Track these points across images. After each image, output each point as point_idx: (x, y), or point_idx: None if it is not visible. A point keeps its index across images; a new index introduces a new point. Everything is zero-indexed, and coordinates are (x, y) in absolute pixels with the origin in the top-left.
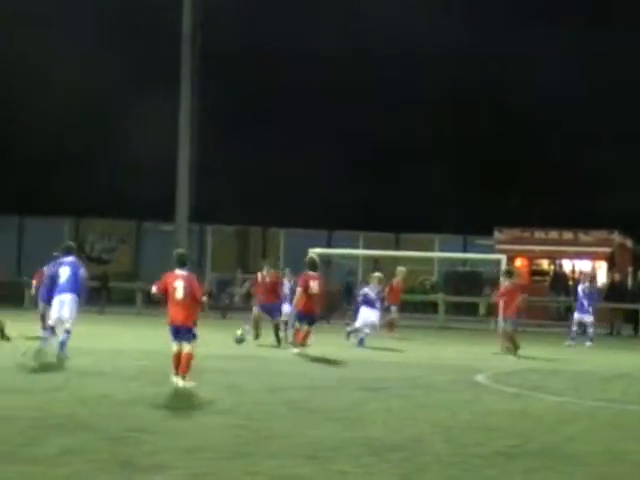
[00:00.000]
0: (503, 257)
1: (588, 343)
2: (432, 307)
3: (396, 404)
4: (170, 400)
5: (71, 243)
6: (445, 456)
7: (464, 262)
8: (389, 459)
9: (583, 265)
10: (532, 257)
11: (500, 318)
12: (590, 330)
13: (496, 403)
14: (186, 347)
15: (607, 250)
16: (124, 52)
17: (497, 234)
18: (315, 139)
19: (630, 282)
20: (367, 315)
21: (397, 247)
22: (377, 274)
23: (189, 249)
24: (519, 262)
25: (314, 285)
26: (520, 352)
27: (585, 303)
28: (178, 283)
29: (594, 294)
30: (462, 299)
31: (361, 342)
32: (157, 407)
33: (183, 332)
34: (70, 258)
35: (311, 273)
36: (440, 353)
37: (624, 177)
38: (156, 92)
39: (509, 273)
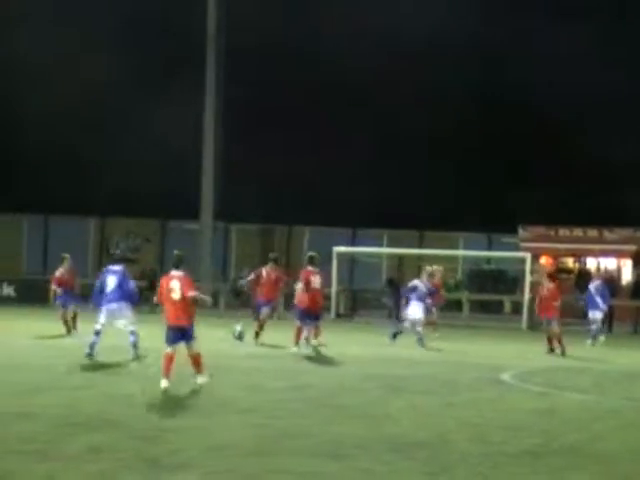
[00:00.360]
0: (528, 255)
1: (589, 341)
2: (456, 305)
3: (421, 402)
4: (193, 399)
5: (122, 253)
6: (471, 454)
7: (488, 260)
8: (414, 457)
9: (608, 263)
10: (557, 255)
11: (546, 319)
12: (593, 327)
13: (521, 401)
14: (190, 349)
15: (632, 248)
16: (149, 49)
17: (521, 232)
18: (339, 136)
19: None
20: (415, 311)
21: (421, 245)
22: (429, 268)
23: (214, 248)
24: (544, 260)
25: (315, 280)
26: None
27: (599, 301)
28: (174, 284)
29: (607, 292)
30: (487, 297)
31: (394, 337)
32: (180, 406)
33: (183, 332)
34: (118, 267)
35: (311, 268)
36: (465, 351)
37: None
38: (181, 90)
39: (551, 276)
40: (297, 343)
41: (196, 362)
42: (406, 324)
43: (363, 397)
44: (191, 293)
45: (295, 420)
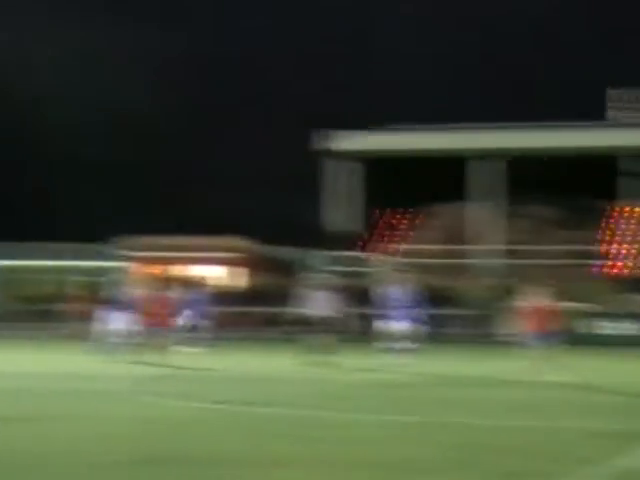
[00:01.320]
0: (125, 264)
1: (186, 348)
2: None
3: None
4: None
5: None
6: (67, 468)
7: (98, 271)
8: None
9: (215, 270)
10: (163, 263)
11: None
12: (183, 334)
13: (124, 410)
14: None
15: (240, 255)
16: None
17: (122, 241)
18: None
19: (265, 286)
20: (121, 321)
21: (25, 257)
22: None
23: None
24: (150, 269)
25: None
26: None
27: (190, 310)
28: None
29: (200, 300)
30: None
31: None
32: None
33: None
34: None
35: None
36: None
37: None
38: None
39: (161, 284)
40: None
41: None
42: (114, 339)
43: None
44: None
45: None
